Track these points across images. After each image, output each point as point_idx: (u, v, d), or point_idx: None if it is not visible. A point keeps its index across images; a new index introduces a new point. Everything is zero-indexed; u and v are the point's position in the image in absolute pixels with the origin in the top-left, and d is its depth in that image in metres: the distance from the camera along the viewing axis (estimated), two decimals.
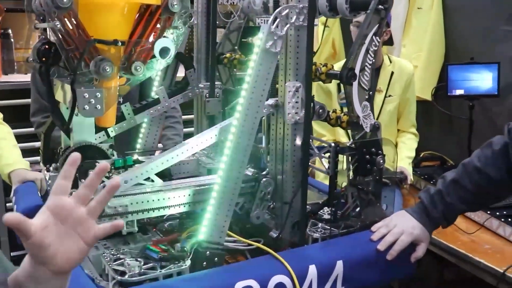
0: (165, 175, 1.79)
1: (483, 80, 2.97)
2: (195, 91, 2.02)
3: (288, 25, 1.50)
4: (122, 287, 1.38)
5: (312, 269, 1.42)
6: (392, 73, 2.98)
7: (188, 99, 2.03)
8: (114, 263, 1.44)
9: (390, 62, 3.01)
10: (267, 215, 1.69)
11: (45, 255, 0.91)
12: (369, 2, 1.55)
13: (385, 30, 2.92)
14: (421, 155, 3.23)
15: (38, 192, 1.96)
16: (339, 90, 2.92)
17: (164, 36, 1.54)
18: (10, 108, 3.18)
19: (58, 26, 1.37)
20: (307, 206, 1.64)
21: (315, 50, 3.95)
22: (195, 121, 2.14)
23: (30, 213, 1.83)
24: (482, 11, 3.17)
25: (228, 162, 1.50)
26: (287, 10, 1.50)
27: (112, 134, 1.87)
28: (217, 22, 2.00)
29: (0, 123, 2.44)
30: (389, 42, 3.12)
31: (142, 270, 1.41)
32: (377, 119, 2.96)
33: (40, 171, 2.11)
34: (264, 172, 1.69)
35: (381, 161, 1.63)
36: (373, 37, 1.57)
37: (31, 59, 1.59)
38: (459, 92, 3.02)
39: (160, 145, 2.41)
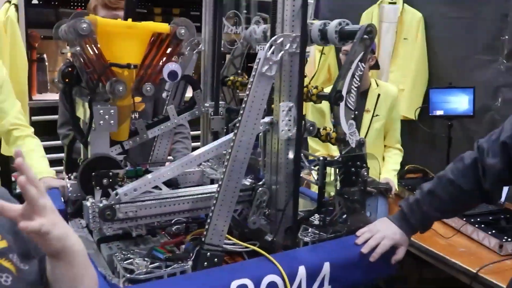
0: (173, 184, 1.78)
1: (460, 102, 2.95)
2: (201, 109, 2.01)
3: (282, 52, 1.49)
4: (131, 283, 1.37)
5: (302, 270, 1.40)
6: (379, 95, 2.97)
7: (195, 117, 2.02)
8: (124, 262, 1.43)
9: (377, 85, 3.00)
10: (263, 221, 1.67)
11: None
12: (355, 32, 1.54)
13: (371, 57, 2.92)
14: (405, 168, 3.20)
15: (61, 198, 1.95)
16: (331, 110, 2.91)
17: (172, 61, 1.53)
18: (43, 122, 3.20)
19: (79, 51, 1.37)
20: (300, 213, 1.62)
21: (312, 75, 3.98)
22: (201, 137, 2.13)
23: None
24: (460, 42, 3.18)
25: (227, 173, 1.48)
26: (281, 39, 1.49)
27: (127, 147, 1.86)
28: (222, 49, 1.99)
29: (31, 136, 2.44)
30: (375, 66, 3.12)
31: (149, 269, 1.39)
32: (365, 136, 2.97)
33: (64, 179, 2.11)
34: (260, 182, 1.67)
35: (365, 173, 1.62)
36: (359, 63, 1.55)
37: (57, 80, 1.60)
38: (439, 112, 3.00)
39: (170, 158, 2.39)
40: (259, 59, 1.46)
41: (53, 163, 2.41)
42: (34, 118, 3.19)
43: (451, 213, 1.73)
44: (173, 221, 1.73)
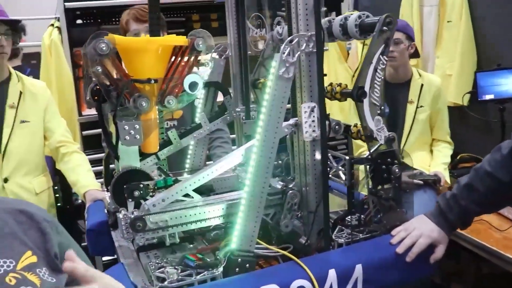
0: (207, 190, 1.80)
1: (511, 84, 2.78)
2: (233, 114, 2.02)
3: (299, 52, 1.47)
4: None
5: (332, 273, 1.38)
6: (422, 85, 2.86)
7: (227, 122, 2.04)
8: (157, 271, 1.46)
9: (420, 75, 2.90)
10: (298, 223, 1.66)
11: None
12: (375, 24, 1.49)
13: (410, 44, 2.82)
14: (458, 157, 3.06)
15: (105, 210, 2.02)
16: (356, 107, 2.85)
17: (193, 72, 1.55)
18: (93, 136, 3.33)
19: (99, 70, 1.42)
20: (340, 212, 1.59)
21: (356, 67, 3.90)
22: (236, 141, 2.14)
23: (97, 227, 1.92)
24: (508, 19, 2.99)
25: (252, 179, 1.49)
26: (297, 39, 1.47)
27: (162, 157, 1.90)
28: (249, 52, 2.00)
29: (77, 152, 2.56)
30: (415, 54, 3.01)
31: (180, 277, 1.42)
32: (410, 128, 2.88)
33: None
34: (291, 185, 1.66)
35: (397, 170, 1.56)
36: (380, 56, 1.50)
37: (88, 98, 1.66)
38: (489, 97, 2.85)
39: (210, 163, 2.42)
40: (276, 62, 1.45)
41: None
42: (85, 132, 3.33)
43: (492, 207, 1.63)
44: (211, 227, 1.76)
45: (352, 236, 1.57)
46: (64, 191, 3.49)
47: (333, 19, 1.60)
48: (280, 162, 1.84)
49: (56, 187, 3.53)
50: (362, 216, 1.59)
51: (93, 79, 1.66)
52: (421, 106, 2.85)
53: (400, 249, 1.48)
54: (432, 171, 2.78)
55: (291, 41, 1.47)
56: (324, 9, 2.08)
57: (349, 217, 1.68)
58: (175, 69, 1.53)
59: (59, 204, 3.56)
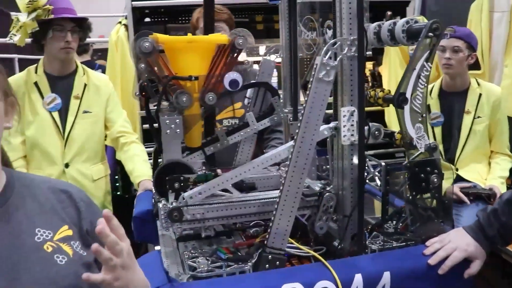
0: (249, 188, 1.85)
1: None
2: (280, 115, 2.06)
3: (340, 56, 1.49)
4: (194, 280, 1.46)
5: (358, 278, 1.38)
6: (480, 95, 2.76)
7: (274, 123, 2.08)
8: (190, 260, 1.54)
9: (478, 84, 2.80)
10: (334, 226, 1.67)
11: None
12: (422, 30, 1.48)
13: (470, 54, 2.72)
14: None
15: (152, 199, 2.13)
16: (429, 111, 2.78)
17: (233, 70, 1.61)
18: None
19: (144, 67, 1.51)
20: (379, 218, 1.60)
21: None
22: (284, 142, 2.18)
23: (142, 215, 2.02)
24: None
25: (288, 179, 1.52)
26: (339, 42, 1.49)
27: (208, 152, 1.97)
28: (301, 55, 2.03)
29: (136, 142, 2.70)
30: (475, 66, 2.88)
31: (210, 268, 1.48)
32: (466, 139, 2.78)
33: None
34: (328, 188, 1.67)
35: (436, 179, 1.54)
36: (424, 63, 1.49)
37: (137, 93, 1.76)
38: None
39: None
40: (316, 65, 1.48)
41: None
42: (145, 126, 3.48)
43: None
44: (251, 224, 1.81)
45: (386, 243, 1.56)
46: (124, 180, 3.66)
47: (383, 23, 1.60)
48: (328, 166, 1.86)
49: (116, 176, 3.73)
50: (396, 223, 1.58)
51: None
52: (478, 117, 2.75)
53: (432, 261, 1.46)
54: (487, 184, 2.67)
55: (333, 44, 1.49)
56: (389, 13, 2.08)
57: (389, 223, 1.68)
58: (216, 67, 1.59)
59: (118, 193, 3.76)
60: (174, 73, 1.57)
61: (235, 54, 1.59)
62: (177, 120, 1.56)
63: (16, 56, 5.06)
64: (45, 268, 1.12)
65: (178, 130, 1.56)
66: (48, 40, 2.51)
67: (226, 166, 2.13)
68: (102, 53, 4.14)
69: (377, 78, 3.48)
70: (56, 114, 2.56)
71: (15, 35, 2.41)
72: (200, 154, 1.95)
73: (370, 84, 3.38)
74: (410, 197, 1.56)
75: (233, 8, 3.53)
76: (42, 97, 2.56)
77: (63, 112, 2.59)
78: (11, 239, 1.12)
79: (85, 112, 2.62)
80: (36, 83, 2.57)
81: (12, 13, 2.57)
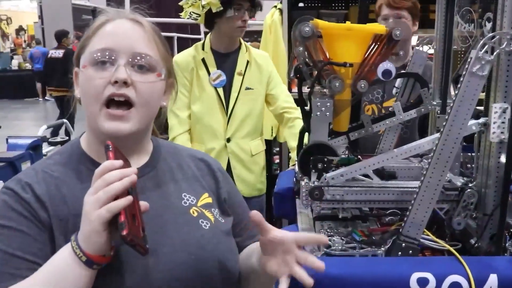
0: (390, 177, 1.91)
1: None
2: (428, 107, 2.07)
3: (498, 51, 1.48)
4: (328, 256, 1.58)
5: (493, 278, 1.38)
6: None
7: (421, 114, 2.09)
8: None
9: None
10: (472, 224, 1.68)
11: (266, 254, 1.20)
12: None
13: None
14: None
15: (294, 178, 2.28)
16: None
17: (387, 60, 1.67)
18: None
19: (301, 51, 1.64)
20: None
21: None
22: (428, 133, 2.19)
23: (283, 191, 2.19)
24: None
25: (430, 170, 1.56)
26: (498, 36, 1.48)
27: (352, 138, 2.06)
28: (454, 47, 2.01)
29: (300, 118, 2.81)
30: None
31: (344, 247, 1.59)
32: None
33: None
34: (471, 184, 1.67)
35: None
36: None
37: (292, 75, 1.90)
38: None
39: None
40: (471, 58, 1.49)
41: None
42: None
43: None
44: (388, 212, 1.88)
45: None
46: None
47: None
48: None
49: None
50: None
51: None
52: None
53: None
54: None
55: (491, 38, 1.48)
56: None
57: None
58: (371, 56, 1.67)
59: None
60: (330, 58, 1.68)
61: (391, 45, 1.65)
62: (328, 104, 1.67)
63: (175, 35, 5.55)
64: (192, 231, 1.21)
65: (328, 114, 1.68)
66: (224, 18, 2.71)
67: (368, 153, 2.20)
68: (254, 35, 4.40)
69: None
70: (220, 90, 2.81)
71: (197, 14, 2.62)
72: (344, 139, 2.05)
73: None
74: None
75: None
76: (209, 73, 2.81)
77: (227, 88, 2.83)
78: (162, 200, 1.21)
79: (247, 88, 2.84)
80: (203, 60, 2.82)
81: None
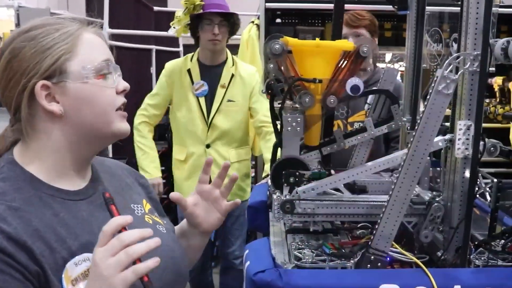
0: (361, 191, 1.96)
1: None
2: (398, 123, 2.13)
3: (462, 70, 1.55)
4: (298, 268, 1.60)
5: None
6: None
7: (391, 130, 2.15)
8: (296, 251, 1.69)
9: None
10: (439, 237, 1.73)
11: (196, 221, 1.29)
12: None
13: None
14: None
15: (267, 191, 2.31)
16: None
17: (355, 76, 1.73)
18: None
19: (272, 68, 1.69)
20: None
21: None
22: (399, 149, 2.25)
23: (256, 205, 2.22)
24: None
25: (398, 184, 1.61)
26: (461, 57, 1.55)
27: (324, 152, 2.11)
28: (424, 65, 2.09)
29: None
30: None
31: (314, 260, 1.62)
32: None
33: None
34: (438, 198, 1.73)
35: None
36: None
37: (263, 91, 1.95)
38: None
39: None
40: (437, 77, 1.55)
41: None
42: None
43: None
44: (359, 225, 1.92)
45: (491, 260, 1.59)
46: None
47: (496, 40, 1.62)
48: None
49: None
50: (505, 242, 1.60)
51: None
52: None
53: None
54: None
55: (456, 58, 1.55)
56: None
57: (496, 241, 1.70)
58: (340, 72, 1.73)
59: None
60: (300, 74, 1.73)
61: (359, 61, 1.71)
62: (299, 119, 1.72)
63: (154, 47, 5.57)
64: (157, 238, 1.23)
65: (299, 128, 1.73)
66: (200, 32, 2.93)
67: (340, 168, 2.25)
68: (231, 49, 4.50)
69: (506, 94, 3.34)
70: (202, 100, 2.93)
71: (174, 27, 2.83)
72: (316, 153, 2.10)
73: (498, 100, 3.27)
74: None
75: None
76: (193, 83, 2.94)
77: (209, 99, 2.95)
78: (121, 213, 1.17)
79: (229, 101, 2.96)
80: (189, 70, 2.98)
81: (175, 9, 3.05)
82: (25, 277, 0.97)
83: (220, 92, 2.98)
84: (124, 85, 1.17)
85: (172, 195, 1.27)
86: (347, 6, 2.30)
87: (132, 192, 1.31)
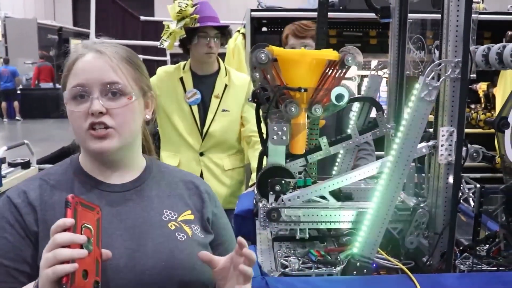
0: (346, 198, 1.97)
1: None
2: (383, 130, 2.15)
3: (443, 77, 1.56)
4: (285, 276, 1.61)
5: None
6: None
7: (376, 137, 2.16)
8: (282, 258, 1.69)
9: None
10: (425, 242, 1.74)
11: (219, 283, 1.29)
12: None
13: None
14: None
15: (254, 199, 2.31)
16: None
17: (341, 85, 1.74)
18: None
19: (257, 76, 1.70)
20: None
21: None
22: (384, 155, 2.26)
23: (242, 213, 2.22)
24: None
25: (382, 191, 1.62)
26: (443, 64, 1.56)
27: (310, 160, 2.12)
28: (407, 72, 2.10)
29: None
30: None
31: (300, 267, 1.62)
32: None
33: None
34: (422, 204, 1.74)
35: None
36: None
37: (250, 99, 1.95)
38: None
39: None
40: (419, 84, 1.57)
41: None
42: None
43: None
44: (345, 232, 1.93)
45: (476, 265, 1.60)
46: None
47: (493, 46, 1.65)
48: None
49: None
50: (489, 247, 1.61)
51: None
52: None
53: None
54: None
55: (438, 65, 1.57)
56: (510, 33, 2.10)
57: (482, 246, 1.71)
58: (325, 81, 1.73)
59: None
60: (285, 83, 1.74)
61: (344, 70, 1.72)
62: (284, 128, 1.72)
63: (141, 57, 5.59)
64: (166, 241, 1.31)
65: (284, 137, 1.73)
66: (193, 45, 2.89)
67: (325, 175, 2.26)
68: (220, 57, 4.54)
69: (490, 100, 3.39)
70: (195, 110, 2.93)
71: (165, 41, 2.80)
72: (302, 161, 2.11)
73: (483, 106, 3.31)
74: (505, 222, 1.58)
75: (347, 22, 3.67)
76: (185, 91, 2.93)
77: (203, 109, 2.97)
78: (142, 213, 1.34)
79: (224, 110, 2.95)
80: (181, 79, 2.97)
81: (164, 20, 3.01)
82: (26, 234, 1.24)
83: (214, 102, 2.97)
84: (92, 109, 1.26)
85: (201, 255, 1.26)
86: (331, 15, 2.32)
87: (178, 201, 1.42)
